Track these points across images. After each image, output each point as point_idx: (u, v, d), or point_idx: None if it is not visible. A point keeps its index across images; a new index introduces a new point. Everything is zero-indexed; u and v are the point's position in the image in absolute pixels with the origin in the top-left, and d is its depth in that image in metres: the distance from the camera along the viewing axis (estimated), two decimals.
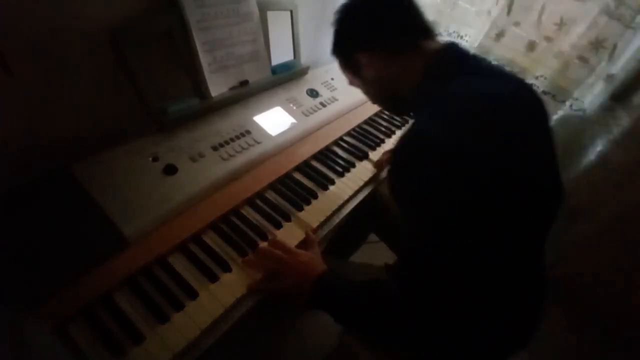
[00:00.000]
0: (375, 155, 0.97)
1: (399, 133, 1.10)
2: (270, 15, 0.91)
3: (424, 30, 0.65)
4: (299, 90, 1.02)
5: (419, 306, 0.53)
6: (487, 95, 0.54)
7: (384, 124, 1.12)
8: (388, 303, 0.56)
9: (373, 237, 1.19)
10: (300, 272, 0.64)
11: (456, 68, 0.59)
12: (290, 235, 0.72)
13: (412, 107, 0.69)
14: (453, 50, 0.62)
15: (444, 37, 1.32)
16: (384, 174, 0.95)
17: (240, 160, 0.79)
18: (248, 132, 0.84)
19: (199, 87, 0.81)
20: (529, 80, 1.23)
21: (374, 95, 0.74)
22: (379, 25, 0.64)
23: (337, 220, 0.80)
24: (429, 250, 0.52)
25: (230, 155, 0.78)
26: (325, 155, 0.93)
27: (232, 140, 0.81)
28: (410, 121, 1.12)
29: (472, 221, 0.49)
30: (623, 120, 1.11)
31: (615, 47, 1.07)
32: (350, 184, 0.87)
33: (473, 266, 0.50)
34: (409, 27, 0.64)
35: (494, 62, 1.25)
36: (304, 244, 0.72)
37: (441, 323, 0.52)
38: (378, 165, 0.94)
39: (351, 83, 0.76)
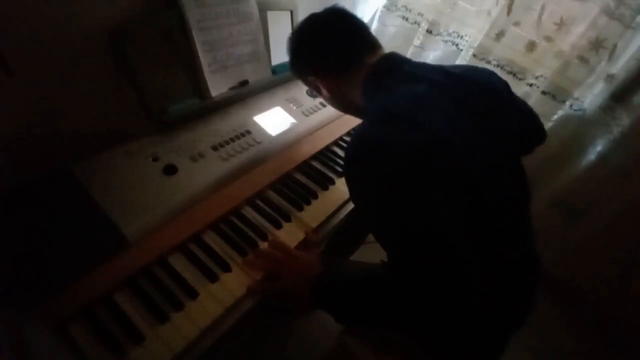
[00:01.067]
0: None
1: None
2: (270, 15, 0.91)
3: (366, 45, 0.68)
4: (299, 90, 1.02)
5: (414, 292, 0.53)
6: (406, 95, 0.58)
7: None
8: (386, 292, 0.56)
9: (373, 237, 1.19)
10: (299, 273, 0.64)
11: (388, 76, 0.63)
12: (290, 235, 0.72)
13: (362, 109, 0.73)
14: (388, 60, 0.66)
15: (444, 37, 1.32)
16: None
17: (240, 160, 0.79)
18: (248, 132, 0.84)
19: (199, 87, 0.81)
20: (529, 80, 1.22)
21: (335, 106, 0.80)
22: (322, 52, 0.70)
23: (337, 220, 0.80)
24: (400, 244, 0.54)
25: (230, 155, 0.78)
26: (325, 155, 0.93)
27: (232, 140, 0.81)
28: None
29: (431, 212, 0.51)
30: (623, 120, 1.11)
31: (615, 47, 1.07)
32: None
33: (449, 251, 0.51)
34: (350, 47, 0.68)
35: (467, 63, 1.26)
36: (303, 245, 0.72)
37: (433, 306, 0.52)
38: None
39: (310, 93, 0.84)
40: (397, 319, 0.57)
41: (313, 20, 0.71)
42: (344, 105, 0.76)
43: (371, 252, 1.26)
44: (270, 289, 0.64)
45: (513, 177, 0.65)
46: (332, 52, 0.69)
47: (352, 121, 1.05)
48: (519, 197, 0.65)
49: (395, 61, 0.66)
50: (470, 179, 0.54)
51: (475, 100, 0.61)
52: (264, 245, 0.69)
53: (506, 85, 0.68)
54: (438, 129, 0.53)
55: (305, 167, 0.88)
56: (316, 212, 0.78)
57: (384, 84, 0.63)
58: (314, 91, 0.79)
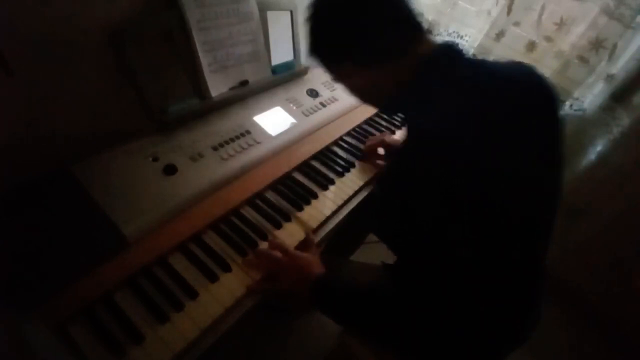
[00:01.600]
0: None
1: (399, 133, 1.10)
2: (270, 15, 0.91)
3: (416, 29, 0.59)
4: (299, 90, 1.02)
5: (417, 303, 0.53)
6: (480, 91, 0.53)
7: (384, 124, 1.12)
8: (386, 302, 0.56)
9: (373, 237, 1.19)
10: (299, 272, 0.64)
11: (442, 78, 0.56)
12: (290, 235, 0.72)
13: (402, 107, 0.68)
14: (443, 56, 0.58)
15: (444, 37, 1.33)
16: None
17: (240, 160, 0.79)
18: (248, 132, 0.84)
19: (199, 87, 0.81)
20: None
21: (360, 98, 0.70)
22: (365, 32, 0.56)
23: (337, 220, 0.80)
24: (427, 248, 0.53)
25: (230, 155, 0.78)
26: (325, 155, 0.93)
27: (232, 140, 0.81)
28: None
29: (468, 217, 0.49)
30: (623, 120, 1.11)
31: (615, 47, 1.07)
32: (350, 184, 0.87)
33: (471, 264, 0.50)
34: (399, 30, 0.57)
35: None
36: (303, 245, 0.72)
37: (438, 320, 0.52)
38: (367, 149, 0.95)
39: (334, 80, 0.70)
40: (395, 333, 0.57)
41: None
42: (373, 96, 0.67)
43: (371, 252, 1.27)
44: (270, 289, 0.64)
45: (548, 191, 0.59)
46: (380, 33, 0.56)
47: (352, 121, 1.05)
48: (550, 212, 0.60)
49: (452, 59, 0.57)
50: (505, 202, 0.51)
51: (526, 113, 0.56)
52: (264, 245, 0.69)
53: (556, 96, 0.60)
54: (480, 157, 0.50)
55: (305, 167, 0.88)
56: (316, 212, 0.78)
57: (437, 88, 0.55)
58: (336, 79, 0.67)
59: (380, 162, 0.94)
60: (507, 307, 0.57)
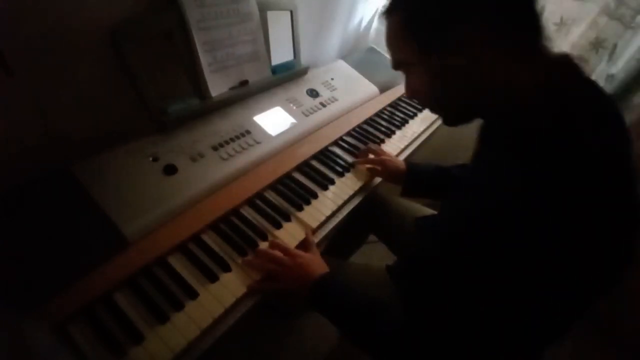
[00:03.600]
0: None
1: (399, 133, 1.10)
2: (270, 15, 0.91)
3: (544, 34, 0.46)
4: (299, 90, 1.02)
5: (423, 340, 0.48)
6: (605, 155, 0.42)
7: (384, 124, 1.12)
8: (390, 328, 0.52)
9: (373, 237, 1.19)
10: (300, 273, 0.63)
11: (575, 100, 0.44)
12: (290, 235, 0.72)
13: (497, 125, 0.50)
14: (573, 70, 0.46)
15: None
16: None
17: (240, 160, 0.79)
18: (248, 132, 0.84)
19: (199, 87, 0.81)
20: None
21: (436, 90, 0.50)
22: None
23: (337, 220, 0.80)
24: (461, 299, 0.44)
25: (230, 155, 0.78)
26: (325, 155, 0.93)
27: (232, 140, 0.81)
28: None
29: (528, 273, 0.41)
30: None
31: (615, 47, 1.07)
32: (350, 184, 0.87)
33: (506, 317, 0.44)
34: (536, 19, 0.45)
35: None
36: (302, 246, 0.72)
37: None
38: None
39: (395, 66, 0.54)
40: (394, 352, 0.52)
41: None
42: (467, 95, 0.49)
43: (371, 252, 1.27)
44: (271, 289, 0.64)
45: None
46: (528, 8, 0.44)
47: (352, 121, 1.05)
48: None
49: (581, 76, 0.47)
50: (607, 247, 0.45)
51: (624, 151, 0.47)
52: (264, 245, 0.69)
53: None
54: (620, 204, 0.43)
55: (305, 167, 0.88)
56: (316, 212, 0.78)
57: (575, 111, 0.43)
58: (417, 56, 0.48)
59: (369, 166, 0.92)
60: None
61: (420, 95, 0.55)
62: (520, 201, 0.39)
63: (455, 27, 0.44)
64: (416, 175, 0.91)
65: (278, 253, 0.66)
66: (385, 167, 0.91)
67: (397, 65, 0.54)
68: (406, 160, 0.98)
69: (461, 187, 0.51)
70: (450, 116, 0.56)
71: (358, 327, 0.58)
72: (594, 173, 0.41)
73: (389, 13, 0.50)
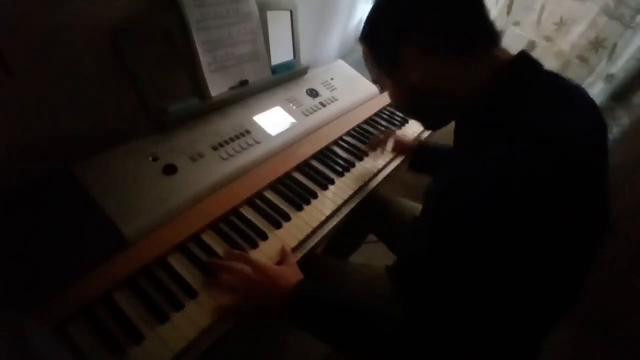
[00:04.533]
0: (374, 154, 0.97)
1: (399, 133, 1.10)
2: (270, 15, 0.91)
3: (494, 35, 0.51)
4: (299, 90, 1.02)
5: (423, 338, 0.47)
6: (575, 138, 0.44)
7: (384, 124, 1.12)
8: (389, 327, 0.49)
9: (372, 237, 1.19)
10: (274, 285, 0.57)
11: (532, 86, 0.48)
12: (290, 235, 0.72)
13: (464, 124, 0.56)
14: (527, 64, 0.50)
15: None
16: (384, 173, 0.94)
17: (240, 160, 0.79)
18: (248, 132, 0.84)
19: (199, 87, 0.81)
20: None
21: (408, 101, 0.58)
22: (452, 15, 0.48)
23: (337, 220, 0.80)
24: (461, 294, 0.44)
25: (230, 155, 0.78)
26: (325, 155, 0.93)
27: (232, 140, 0.81)
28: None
29: (521, 267, 0.42)
30: (623, 120, 1.11)
31: (615, 47, 1.07)
32: (350, 184, 0.87)
33: (502, 310, 0.44)
34: (481, 26, 0.50)
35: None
36: (280, 259, 0.67)
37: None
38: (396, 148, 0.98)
39: (376, 82, 0.62)
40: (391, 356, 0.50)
41: None
42: (429, 101, 0.55)
43: (371, 252, 1.27)
44: (244, 308, 0.57)
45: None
46: (461, 19, 0.49)
47: (352, 121, 1.05)
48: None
49: (536, 66, 0.50)
50: (593, 232, 0.45)
51: (605, 142, 0.51)
52: (264, 245, 0.69)
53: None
54: (604, 187, 0.44)
55: (305, 167, 0.88)
56: (316, 212, 0.78)
57: (533, 97, 0.47)
58: (382, 72, 0.57)
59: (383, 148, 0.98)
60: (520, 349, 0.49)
61: (399, 108, 0.64)
62: (495, 185, 0.41)
63: (404, 49, 0.51)
64: (427, 148, 0.96)
65: (247, 268, 0.59)
66: (396, 138, 0.96)
67: (374, 82, 0.63)
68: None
69: (438, 184, 0.53)
70: (428, 122, 0.64)
71: (353, 330, 0.52)
72: (560, 151, 0.42)
73: (360, 41, 0.59)
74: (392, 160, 0.99)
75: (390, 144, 0.99)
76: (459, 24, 0.49)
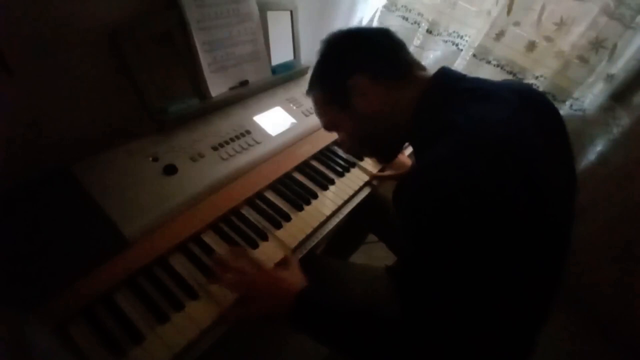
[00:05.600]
0: None
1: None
2: (270, 15, 0.91)
3: (416, 62, 0.62)
4: (299, 90, 1.02)
5: (423, 338, 0.47)
6: (496, 122, 0.48)
7: None
8: (387, 332, 0.50)
9: (372, 237, 1.19)
10: (276, 288, 0.57)
11: (452, 92, 0.55)
12: (290, 235, 0.72)
13: (404, 142, 0.67)
14: (446, 75, 0.58)
15: (444, 37, 1.33)
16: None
17: (240, 160, 0.79)
18: (248, 132, 0.84)
19: (199, 87, 0.81)
20: (529, 80, 1.22)
21: (362, 135, 0.64)
22: (379, 49, 0.60)
23: (337, 220, 0.80)
24: (439, 294, 0.46)
25: (230, 155, 0.78)
26: (325, 155, 0.93)
27: (232, 140, 0.81)
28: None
29: (491, 261, 0.44)
30: (623, 120, 1.11)
31: (615, 47, 1.07)
32: (350, 184, 0.87)
33: (484, 306, 0.45)
34: (404, 56, 0.61)
35: (494, 63, 1.26)
36: (282, 263, 0.67)
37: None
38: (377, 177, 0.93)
39: (328, 127, 0.69)
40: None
41: (356, 28, 0.66)
42: (379, 128, 0.62)
43: (371, 252, 1.27)
44: (245, 315, 0.57)
45: (571, 204, 0.57)
46: (390, 52, 0.60)
47: None
48: (570, 224, 0.56)
49: (456, 75, 0.58)
50: (546, 215, 0.47)
51: (549, 124, 0.55)
52: (264, 245, 0.69)
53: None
54: (534, 166, 0.46)
55: (305, 167, 0.88)
56: (316, 212, 0.78)
57: (454, 100, 0.53)
58: (334, 112, 0.65)
59: None
60: (512, 342, 0.50)
61: (352, 144, 0.68)
62: (427, 186, 0.45)
63: (351, 80, 0.59)
64: None
65: (248, 269, 0.60)
66: (392, 164, 0.91)
67: (327, 127, 0.70)
68: (411, 158, 0.99)
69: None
70: (383, 152, 0.71)
71: (353, 335, 0.53)
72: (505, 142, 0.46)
73: (310, 92, 0.68)
74: None
75: None
76: (391, 53, 0.60)
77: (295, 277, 0.61)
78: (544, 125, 0.53)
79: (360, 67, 0.59)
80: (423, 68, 0.62)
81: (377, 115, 0.60)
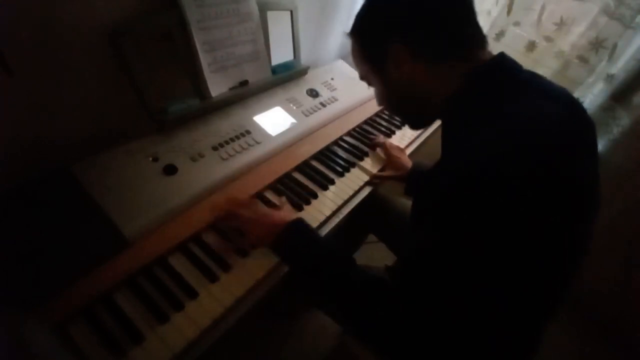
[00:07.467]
0: (374, 155, 0.97)
1: (399, 133, 1.10)
2: (270, 15, 0.91)
3: (479, 40, 0.54)
4: (299, 90, 1.02)
5: (416, 309, 0.47)
6: (549, 124, 0.46)
7: (384, 124, 1.12)
8: (378, 294, 0.50)
9: (372, 237, 1.19)
10: (270, 218, 0.62)
11: (510, 82, 0.51)
12: None
13: (435, 119, 0.62)
14: (505, 63, 0.53)
15: None
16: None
17: (240, 160, 0.79)
18: (248, 132, 0.84)
19: (199, 87, 0.81)
20: None
21: (392, 99, 0.62)
22: (439, 22, 0.51)
23: (337, 220, 0.80)
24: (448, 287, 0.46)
25: (230, 155, 0.78)
26: (325, 155, 0.93)
27: (232, 140, 0.81)
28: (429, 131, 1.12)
29: (517, 252, 0.43)
30: (623, 120, 1.11)
31: (615, 47, 1.07)
32: (350, 184, 0.87)
33: (491, 301, 0.45)
34: (468, 31, 0.53)
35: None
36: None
37: (435, 339, 0.47)
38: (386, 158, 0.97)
39: (363, 78, 0.65)
40: (375, 331, 0.51)
41: None
42: (411, 98, 0.58)
43: (371, 252, 1.26)
44: (248, 242, 0.65)
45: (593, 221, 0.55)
46: (450, 27, 0.52)
47: (352, 121, 1.05)
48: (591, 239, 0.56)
49: (515, 65, 0.53)
50: (578, 227, 0.48)
51: (589, 139, 0.52)
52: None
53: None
54: (577, 176, 0.45)
55: (305, 167, 0.88)
56: (316, 212, 0.78)
57: (510, 91, 0.50)
58: (368, 67, 0.60)
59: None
60: (514, 340, 0.51)
61: (384, 104, 0.66)
62: (465, 176, 0.43)
63: (392, 47, 0.53)
64: (420, 174, 0.92)
65: (246, 212, 0.65)
66: (392, 164, 0.94)
67: (362, 77, 0.65)
68: (412, 158, 0.99)
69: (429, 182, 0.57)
70: (411, 120, 0.68)
71: (328, 270, 0.54)
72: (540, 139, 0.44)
73: (350, 35, 0.62)
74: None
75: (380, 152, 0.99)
76: (448, 29, 0.52)
77: (289, 213, 0.66)
78: (587, 140, 0.52)
79: (405, 37, 0.52)
80: (483, 46, 0.54)
81: (410, 88, 0.56)
